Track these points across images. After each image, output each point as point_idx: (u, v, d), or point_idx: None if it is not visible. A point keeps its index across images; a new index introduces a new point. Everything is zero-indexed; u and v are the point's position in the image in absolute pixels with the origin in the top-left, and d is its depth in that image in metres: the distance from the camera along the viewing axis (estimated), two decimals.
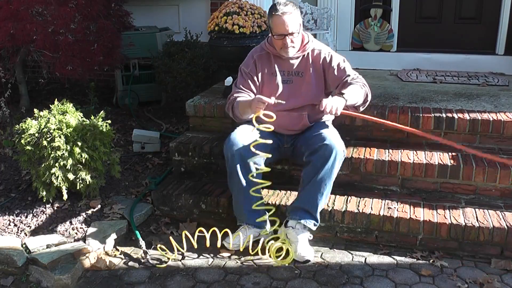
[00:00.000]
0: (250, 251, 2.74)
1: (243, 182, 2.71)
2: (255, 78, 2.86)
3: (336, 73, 2.77)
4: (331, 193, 2.92)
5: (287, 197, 3.00)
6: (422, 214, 2.79)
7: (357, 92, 2.66)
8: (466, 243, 2.71)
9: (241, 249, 2.77)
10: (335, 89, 2.78)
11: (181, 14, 5.27)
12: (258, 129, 2.54)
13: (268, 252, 2.72)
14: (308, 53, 2.82)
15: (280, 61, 2.84)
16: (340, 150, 2.67)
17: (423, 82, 4.20)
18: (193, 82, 4.41)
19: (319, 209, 2.74)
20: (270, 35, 2.80)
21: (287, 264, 2.67)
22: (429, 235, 2.75)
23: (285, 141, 2.94)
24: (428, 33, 4.80)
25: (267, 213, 2.84)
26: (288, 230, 2.75)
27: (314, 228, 2.76)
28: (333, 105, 2.51)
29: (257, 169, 2.72)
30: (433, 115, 3.18)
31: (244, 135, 2.74)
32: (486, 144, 3.16)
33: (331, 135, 2.71)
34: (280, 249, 2.72)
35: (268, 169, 2.72)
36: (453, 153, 3.06)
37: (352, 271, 2.63)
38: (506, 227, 2.64)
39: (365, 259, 2.73)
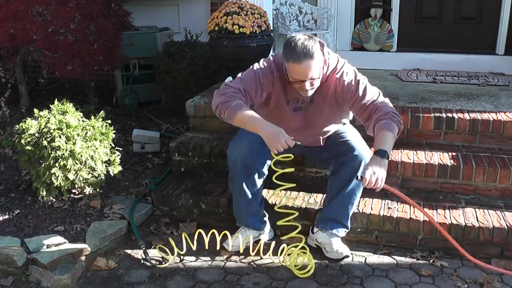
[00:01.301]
0: (251, 252, 2.74)
1: (244, 186, 2.69)
2: (264, 94, 2.54)
3: (358, 102, 2.45)
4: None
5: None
6: (422, 214, 2.78)
7: (393, 135, 2.33)
8: (466, 243, 2.71)
9: (241, 251, 2.77)
10: (359, 116, 2.51)
11: (181, 14, 5.28)
12: (277, 161, 2.44)
13: (288, 260, 2.66)
14: (324, 82, 2.52)
15: (294, 90, 2.51)
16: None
17: (423, 82, 4.20)
18: (193, 82, 4.41)
19: (349, 217, 2.73)
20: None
21: (307, 276, 2.58)
22: (429, 235, 2.75)
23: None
24: (428, 33, 4.80)
25: (266, 214, 2.84)
26: (318, 234, 2.74)
27: (344, 235, 2.77)
28: (378, 176, 2.21)
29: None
30: (433, 115, 3.18)
31: (249, 140, 2.59)
32: (486, 144, 3.16)
33: (359, 144, 2.60)
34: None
35: (292, 170, 2.57)
36: (453, 153, 3.06)
37: (352, 271, 2.62)
38: (506, 227, 2.64)
39: (365, 259, 2.73)
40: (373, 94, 2.47)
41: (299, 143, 2.36)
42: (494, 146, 3.16)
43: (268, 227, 2.87)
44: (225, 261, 2.75)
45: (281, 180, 2.51)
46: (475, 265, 2.65)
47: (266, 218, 2.86)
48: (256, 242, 2.78)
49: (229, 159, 2.70)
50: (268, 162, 2.69)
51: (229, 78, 3.88)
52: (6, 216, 2.96)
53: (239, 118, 2.34)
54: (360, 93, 2.45)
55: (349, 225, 2.75)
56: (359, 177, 2.29)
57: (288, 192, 3.03)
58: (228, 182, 2.81)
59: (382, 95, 2.51)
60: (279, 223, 2.66)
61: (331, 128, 2.75)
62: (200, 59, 4.44)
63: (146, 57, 4.84)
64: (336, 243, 2.72)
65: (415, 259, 2.71)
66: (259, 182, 2.73)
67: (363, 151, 2.60)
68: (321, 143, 2.78)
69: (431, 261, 2.68)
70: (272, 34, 3.69)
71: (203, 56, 4.46)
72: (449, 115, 3.18)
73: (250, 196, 2.71)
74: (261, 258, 2.73)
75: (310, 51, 2.29)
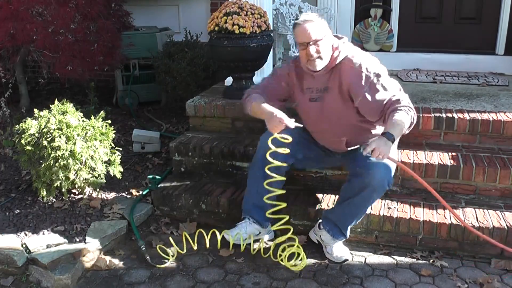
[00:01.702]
0: (252, 251, 2.74)
1: (260, 175, 2.66)
2: (284, 84, 2.73)
3: (371, 94, 2.44)
4: (331, 193, 2.94)
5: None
6: (422, 214, 2.79)
7: (403, 124, 2.33)
8: (466, 243, 2.71)
9: (242, 249, 2.77)
10: (371, 115, 2.50)
11: (181, 14, 5.27)
12: (273, 141, 2.48)
13: (280, 257, 2.68)
14: (339, 67, 2.54)
15: (310, 77, 2.63)
16: (380, 186, 2.50)
17: (423, 82, 4.20)
18: (193, 82, 4.41)
19: (349, 228, 2.71)
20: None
21: (300, 270, 2.63)
22: (429, 235, 2.75)
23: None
24: (428, 33, 4.80)
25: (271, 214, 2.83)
26: (322, 232, 2.74)
27: (340, 243, 2.76)
28: (381, 151, 2.25)
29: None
30: (433, 115, 3.18)
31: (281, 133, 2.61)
32: (486, 144, 3.16)
33: (380, 166, 2.47)
34: (291, 255, 2.70)
35: (283, 178, 2.63)
36: (453, 153, 3.06)
37: (352, 271, 2.63)
38: (506, 227, 2.64)
39: (365, 259, 2.74)
40: (393, 88, 2.48)
41: (301, 125, 2.49)
42: (494, 146, 3.16)
43: (270, 226, 2.87)
44: (225, 260, 2.75)
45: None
46: (475, 265, 2.65)
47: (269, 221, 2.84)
48: (256, 241, 2.78)
49: (258, 144, 2.75)
50: (288, 162, 2.69)
51: (229, 78, 3.89)
52: (6, 216, 2.96)
53: (252, 108, 2.65)
54: (379, 86, 2.45)
55: (348, 235, 2.72)
56: (361, 149, 2.41)
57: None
58: (248, 170, 2.84)
59: (402, 91, 2.51)
60: (273, 228, 2.75)
61: (356, 135, 2.65)
62: (200, 59, 4.44)
63: (146, 57, 4.83)
64: (337, 246, 2.73)
65: (415, 259, 2.71)
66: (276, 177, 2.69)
67: (381, 174, 2.49)
68: (345, 147, 2.69)
69: (431, 261, 2.68)
70: (272, 34, 3.69)
71: (203, 56, 4.46)
72: (449, 115, 3.18)
73: (263, 187, 2.65)
74: (261, 258, 2.73)
75: (310, 16, 2.52)
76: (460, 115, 3.18)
